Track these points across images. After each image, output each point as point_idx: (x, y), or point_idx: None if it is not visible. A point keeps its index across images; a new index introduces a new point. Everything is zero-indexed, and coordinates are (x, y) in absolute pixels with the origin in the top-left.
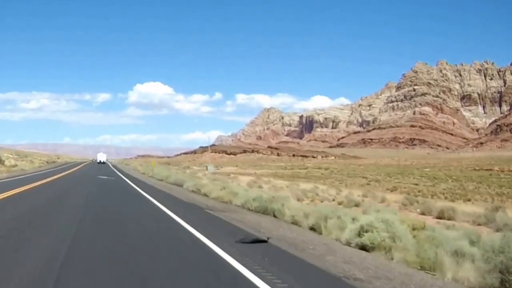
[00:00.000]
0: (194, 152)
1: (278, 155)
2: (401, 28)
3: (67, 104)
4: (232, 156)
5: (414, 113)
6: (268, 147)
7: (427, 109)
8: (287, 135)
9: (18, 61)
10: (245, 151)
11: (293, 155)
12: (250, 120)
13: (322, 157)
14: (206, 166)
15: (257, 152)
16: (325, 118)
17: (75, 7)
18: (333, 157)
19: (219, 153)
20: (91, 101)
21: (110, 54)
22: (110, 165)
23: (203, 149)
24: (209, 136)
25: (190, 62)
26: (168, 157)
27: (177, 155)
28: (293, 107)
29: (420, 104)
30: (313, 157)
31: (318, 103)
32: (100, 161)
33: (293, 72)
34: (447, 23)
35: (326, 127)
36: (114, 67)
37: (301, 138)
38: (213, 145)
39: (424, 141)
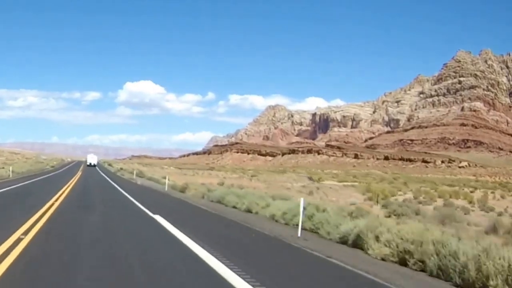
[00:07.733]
0: (209, 152)
1: (356, 157)
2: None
3: (56, 102)
4: (269, 157)
5: (462, 109)
6: (327, 145)
7: (478, 104)
8: (297, 135)
9: (6, 58)
10: (293, 151)
11: (386, 158)
12: (253, 119)
13: (442, 161)
14: None
15: (318, 153)
16: (343, 116)
17: (65, 3)
18: (465, 163)
19: (247, 153)
20: (80, 99)
21: (100, 51)
22: None
23: (222, 148)
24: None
25: (183, 61)
26: (170, 158)
27: (183, 155)
28: (288, 108)
29: (469, 98)
30: (425, 161)
31: (312, 105)
32: (90, 163)
33: (287, 72)
34: (486, 5)
35: (345, 126)
36: (104, 65)
37: (313, 139)
38: (237, 143)
39: (481, 142)
